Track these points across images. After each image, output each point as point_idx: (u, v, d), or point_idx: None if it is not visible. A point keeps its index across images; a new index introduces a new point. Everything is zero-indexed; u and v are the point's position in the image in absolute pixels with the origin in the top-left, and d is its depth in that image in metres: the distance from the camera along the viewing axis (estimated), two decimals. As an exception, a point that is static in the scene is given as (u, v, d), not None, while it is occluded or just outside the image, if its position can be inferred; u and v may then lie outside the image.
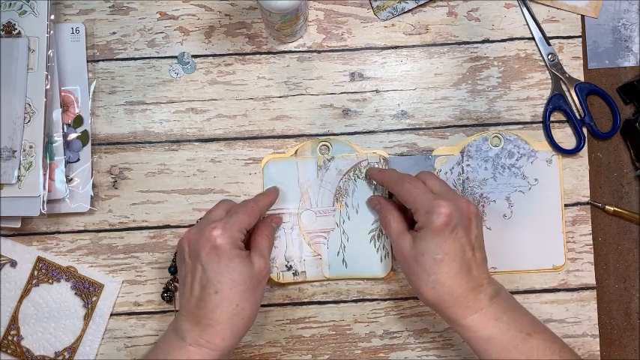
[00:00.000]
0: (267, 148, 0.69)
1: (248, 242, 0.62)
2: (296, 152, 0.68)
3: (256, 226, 0.64)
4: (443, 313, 0.58)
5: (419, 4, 0.69)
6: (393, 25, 0.70)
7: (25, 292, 0.67)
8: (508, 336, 0.56)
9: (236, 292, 0.57)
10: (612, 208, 0.68)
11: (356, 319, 0.68)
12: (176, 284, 0.68)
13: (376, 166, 0.68)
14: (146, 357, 0.59)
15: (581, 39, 0.70)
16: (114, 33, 0.69)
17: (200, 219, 0.65)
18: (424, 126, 0.69)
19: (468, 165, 0.68)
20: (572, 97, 0.69)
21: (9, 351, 0.66)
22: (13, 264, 0.67)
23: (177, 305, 0.67)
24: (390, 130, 0.69)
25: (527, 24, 0.69)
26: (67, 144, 0.67)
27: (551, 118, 0.69)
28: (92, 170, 0.68)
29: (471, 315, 0.56)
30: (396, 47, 0.69)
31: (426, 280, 0.57)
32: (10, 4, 0.66)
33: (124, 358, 0.68)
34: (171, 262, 0.68)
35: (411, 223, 0.61)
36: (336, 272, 0.67)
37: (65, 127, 0.67)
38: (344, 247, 0.67)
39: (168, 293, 0.67)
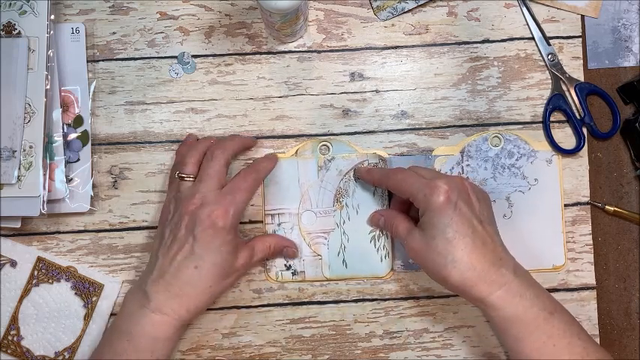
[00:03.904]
0: (267, 148, 0.69)
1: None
2: (296, 152, 0.68)
3: (276, 235, 0.67)
4: (469, 294, 0.57)
5: (419, 4, 0.69)
6: (393, 25, 0.69)
7: (25, 292, 0.67)
8: (531, 314, 0.56)
9: (212, 273, 0.60)
10: (612, 208, 0.68)
11: (356, 319, 0.68)
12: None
13: (376, 166, 0.68)
14: (114, 322, 0.62)
15: (581, 39, 0.70)
16: (114, 33, 0.69)
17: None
18: (424, 126, 0.69)
19: (467, 165, 0.68)
20: (572, 97, 0.69)
21: (9, 351, 0.66)
22: (13, 264, 0.67)
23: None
24: (390, 130, 0.69)
25: (527, 24, 0.69)
26: (67, 144, 0.67)
27: (551, 118, 0.69)
28: (92, 170, 0.68)
29: (497, 291, 0.56)
30: (396, 47, 0.69)
31: (444, 263, 0.57)
32: (10, 4, 0.66)
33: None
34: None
35: (415, 221, 0.61)
36: (336, 273, 0.67)
37: (65, 127, 0.67)
38: (344, 247, 0.67)
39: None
